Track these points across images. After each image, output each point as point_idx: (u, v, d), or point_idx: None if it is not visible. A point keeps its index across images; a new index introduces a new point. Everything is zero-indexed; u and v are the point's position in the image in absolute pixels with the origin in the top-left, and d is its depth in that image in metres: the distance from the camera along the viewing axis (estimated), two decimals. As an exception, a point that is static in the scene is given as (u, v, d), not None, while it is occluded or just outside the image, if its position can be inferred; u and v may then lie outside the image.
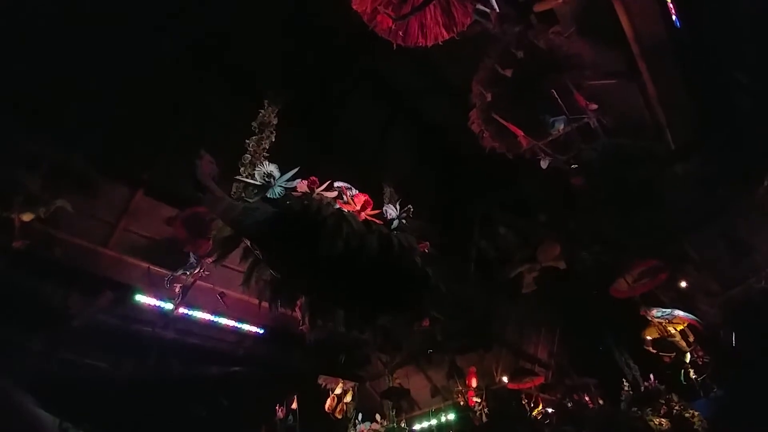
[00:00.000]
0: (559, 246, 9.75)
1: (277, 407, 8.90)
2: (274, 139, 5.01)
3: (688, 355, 9.13)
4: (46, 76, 5.71)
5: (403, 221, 4.14)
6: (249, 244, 3.85)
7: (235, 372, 9.30)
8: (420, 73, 8.58)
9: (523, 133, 6.26)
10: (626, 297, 9.49)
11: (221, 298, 7.80)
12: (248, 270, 3.97)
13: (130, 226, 7.43)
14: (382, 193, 5.69)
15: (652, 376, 9.40)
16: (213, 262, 5.42)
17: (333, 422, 9.50)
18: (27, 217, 5.78)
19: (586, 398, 10.53)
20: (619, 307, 9.77)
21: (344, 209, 3.85)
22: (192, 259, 7.06)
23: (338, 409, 9.57)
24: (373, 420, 9.82)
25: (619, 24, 6.31)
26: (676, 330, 9.26)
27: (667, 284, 9.46)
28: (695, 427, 8.19)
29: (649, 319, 9.31)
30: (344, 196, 4.06)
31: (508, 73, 5.97)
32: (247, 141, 4.86)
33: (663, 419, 8.35)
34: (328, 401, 9.54)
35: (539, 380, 10.73)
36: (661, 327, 9.24)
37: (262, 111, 5.21)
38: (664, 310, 9.32)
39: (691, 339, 9.25)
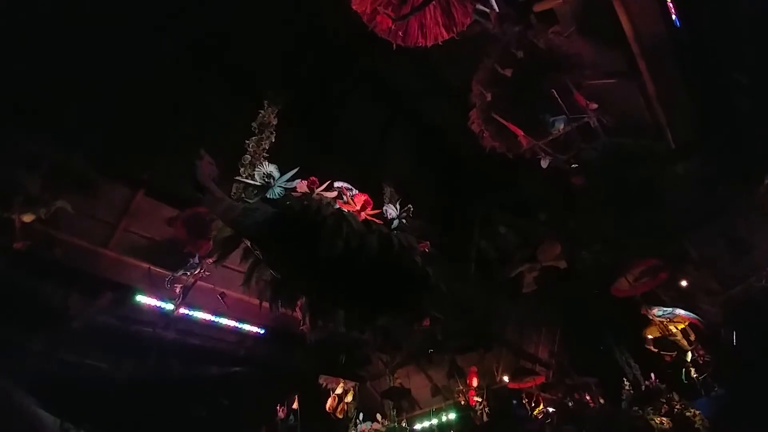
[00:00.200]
0: (560, 245, 9.75)
1: (278, 407, 8.91)
2: (273, 140, 5.01)
3: (689, 354, 9.12)
4: (47, 76, 5.71)
5: (403, 221, 4.15)
6: (249, 244, 3.86)
7: (236, 372, 9.31)
8: (420, 73, 8.58)
9: (523, 133, 6.25)
10: (627, 296, 9.49)
11: (222, 298, 7.80)
12: (249, 270, 3.98)
13: (131, 227, 7.43)
14: (382, 193, 5.69)
15: (653, 375, 9.39)
16: (213, 262, 5.43)
17: (334, 422, 9.51)
18: (27, 217, 5.79)
19: (587, 397, 10.53)
20: (620, 306, 9.77)
21: (344, 209, 3.86)
22: (192, 260, 7.06)
23: (339, 408, 9.58)
24: (374, 420, 9.83)
25: (619, 24, 6.30)
26: (677, 329, 9.26)
27: (667, 283, 9.46)
28: (696, 426, 8.18)
29: (650, 318, 9.31)
30: (344, 196, 4.06)
31: (508, 72, 5.96)
32: (246, 141, 4.86)
33: (664, 418, 8.35)
34: (329, 401, 9.54)
35: (540, 380, 10.73)
36: (662, 326, 9.25)
37: (262, 111, 5.21)
38: (665, 309, 9.32)
39: (692, 338, 9.25)
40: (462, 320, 9.62)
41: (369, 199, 4.13)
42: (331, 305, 4.01)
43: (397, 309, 4.16)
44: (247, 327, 9.15)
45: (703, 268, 9.33)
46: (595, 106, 6.15)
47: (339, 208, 3.82)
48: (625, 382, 9.72)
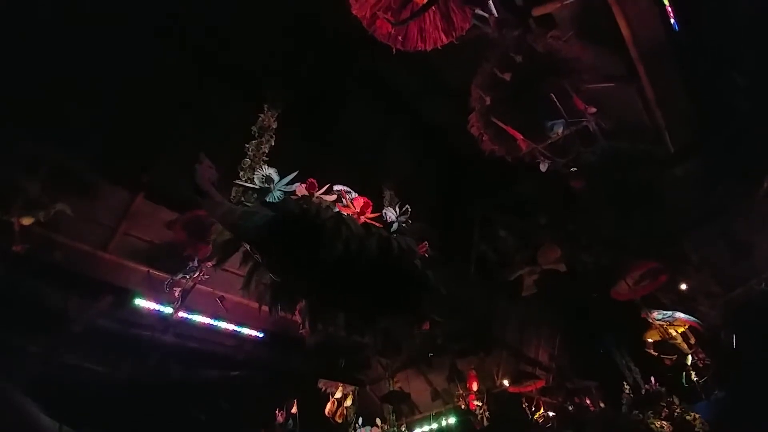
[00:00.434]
0: (560, 248, 9.75)
1: (276, 411, 8.87)
2: (273, 143, 5.02)
3: (690, 358, 9.10)
4: (47, 78, 5.72)
5: (403, 224, 4.15)
6: (248, 247, 3.86)
7: (235, 376, 9.28)
8: (420, 75, 8.60)
9: (522, 137, 6.27)
10: (627, 299, 9.48)
11: (221, 301, 7.80)
12: (248, 274, 3.98)
13: (130, 230, 7.44)
14: (381, 196, 5.70)
15: (653, 378, 9.38)
16: (213, 265, 5.43)
17: (333, 426, 9.46)
18: (27, 220, 5.79)
19: (588, 401, 10.49)
20: (620, 309, 9.76)
21: (343, 212, 3.86)
22: (192, 263, 7.06)
23: (338, 413, 9.53)
24: (374, 424, 9.78)
25: (618, 28, 6.33)
26: (677, 332, 9.24)
27: (667, 286, 9.45)
28: (696, 429, 8.16)
29: (650, 321, 9.30)
30: (343, 200, 4.07)
31: (507, 77, 5.98)
32: (246, 145, 4.87)
33: (664, 422, 8.33)
34: (328, 405, 9.50)
35: (540, 383, 10.70)
36: (662, 329, 9.23)
37: (262, 115, 5.22)
38: (665, 312, 9.30)
39: (692, 341, 9.23)
40: (462, 323, 9.60)
41: (368, 201, 4.13)
42: (331, 308, 4.01)
43: (396, 312, 4.16)
44: (246, 330, 9.13)
45: (703, 271, 9.33)
46: (593, 109, 6.17)
47: (338, 212, 3.83)
48: (626, 386, 9.70)
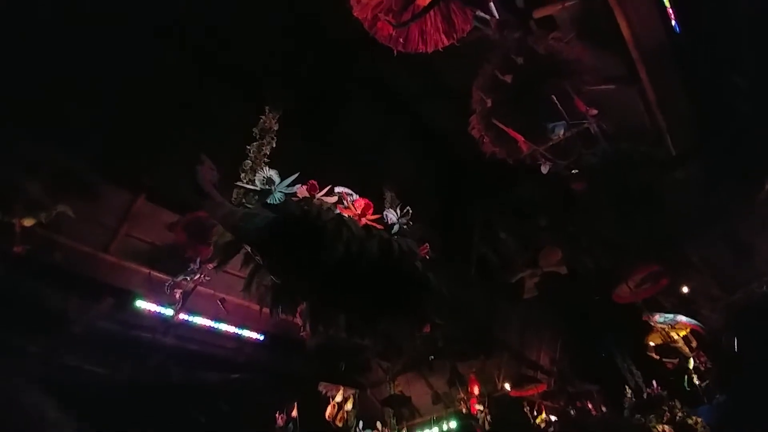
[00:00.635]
0: (561, 251, 9.73)
1: (277, 414, 8.83)
2: (274, 145, 5.03)
3: (691, 361, 9.06)
4: (46, 78, 5.73)
5: (404, 226, 4.14)
6: (249, 249, 3.85)
7: (235, 378, 9.25)
8: (421, 77, 8.62)
9: (523, 139, 6.27)
10: (628, 302, 9.45)
11: (221, 303, 7.78)
12: (249, 276, 3.97)
13: (131, 231, 7.44)
14: (382, 197, 5.70)
15: (654, 382, 9.33)
16: (214, 267, 5.42)
17: (333, 430, 9.43)
18: (28, 222, 5.79)
19: (589, 405, 10.45)
20: (622, 312, 9.73)
21: (344, 214, 3.85)
22: (193, 265, 7.05)
23: (339, 417, 9.50)
24: (374, 428, 9.73)
25: (619, 29, 6.34)
26: (678, 336, 9.21)
27: (669, 289, 9.42)
28: (698, 433, 8.12)
29: (652, 324, 9.26)
30: (344, 201, 4.06)
31: (508, 78, 5.99)
32: (247, 147, 4.88)
33: (666, 426, 8.28)
34: (329, 409, 9.47)
35: (542, 387, 10.65)
36: (663, 333, 9.19)
37: (263, 117, 5.23)
38: (666, 315, 9.27)
39: (694, 344, 9.20)
40: (463, 326, 9.58)
41: (369, 203, 4.12)
42: (332, 310, 4.00)
43: (398, 314, 4.14)
44: (246, 333, 9.11)
45: (705, 273, 9.30)
46: (595, 111, 6.17)
47: (339, 213, 3.82)
48: (627, 390, 9.66)
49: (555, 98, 5.93)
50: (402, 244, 3.89)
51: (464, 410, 10.54)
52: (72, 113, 5.98)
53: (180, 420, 7.81)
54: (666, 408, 8.60)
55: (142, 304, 7.56)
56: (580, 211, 8.01)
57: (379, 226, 4.00)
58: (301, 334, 4.20)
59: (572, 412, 10.41)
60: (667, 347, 9.22)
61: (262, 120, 5.19)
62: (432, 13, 5.09)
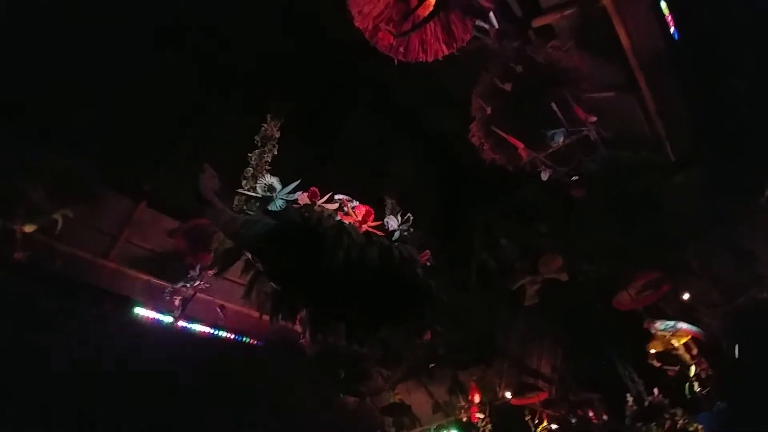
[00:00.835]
0: (561, 258, 9.73)
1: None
2: (276, 153, 5.05)
3: (693, 368, 9.03)
4: (48, 79, 5.75)
5: (405, 233, 4.15)
6: (250, 256, 3.86)
7: (234, 386, 9.17)
8: (421, 85, 8.68)
9: (523, 146, 6.30)
10: (629, 309, 9.43)
11: (221, 310, 7.76)
12: (249, 283, 3.97)
13: (132, 238, 7.43)
14: (383, 204, 5.71)
15: (656, 389, 9.28)
16: (214, 274, 5.42)
17: (333, 438, 9.33)
18: (29, 228, 5.79)
19: (591, 413, 10.38)
20: (622, 319, 9.70)
21: (345, 221, 3.86)
22: (193, 272, 7.04)
23: (338, 424, 9.41)
24: (374, 436, 9.66)
25: (617, 37, 6.40)
26: (679, 343, 9.18)
27: (669, 296, 9.41)
28: (700, 440, 8.07)
29: (653, 332, 9.24)
30: (345, 208, 4.07)
31: (508, 87, 6.04)
32: (249, 154, 4.90)
33: (667, 434, 8.24)
34: (329, 416, 9.37)
35: (543, 395, 10.59)
36: (664, 340, 9.16)
37: (265, 125, 5.26)
38: (667, 322, 9.25)
39: (695, 352, 9.17)
40: (463, 333, 9.54)
41: (370, 210, 4.14)
42: (332, 318, 3.99)
43: (398, 321, 4.13)
44: (245, 340, 9.06)
45: (705, 280, 9.30)
46: (594, 118, 6.21)
47: (340, 220, 3.83)
48: (629, 398, 9.60)
49: (554, 106, 5.97)
50: (403, 250, 3.89)
51: (465, 419, 10.46)
52: (72, 115, 5.99)
53: (178, 428, 7.75)
54: (667, 415, 8.56)
55: (141, 311, 7.53)
56: (581, 217, 8.04)
57: (380, 233, 4.00)
58: (301, 341, 4.19)
59: (573, 421, 10.35)
60: (668, 354, 9.19)
61: (263, 127, 5.21)
62: (432, 23, 5.14)
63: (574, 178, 6.99)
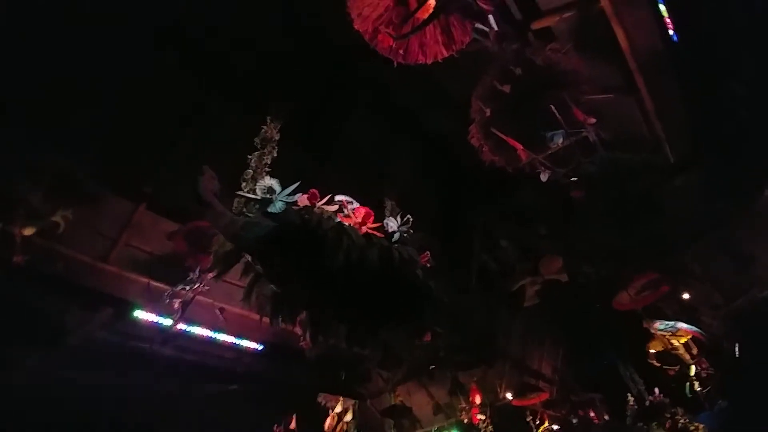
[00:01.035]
0: (561, 259, 9.73)
1: (275, 427, 8.74)
2: (275, 154, 5.06)
3: (693, 368, 9.03)
4: (49, 84, 5.75)
5: (404, 234, 4.15)
6: (250, 258, 3.85)
7: (233, 389, 9.16)
8: (421, 87, 8.69)
9: (522, 147, 6.31)
10: (629, 310, 9.44)
11: (220, 313, 7.74)
12: (249, 285, 3.96)
13: (131, 241, 7.42)
14: (383, 206, 5.72)
15: (656, 389, 9.28)
16: (213, 277, 5.41)
17: (333, 441, 9.33)
18: (28, 231, 5.78)
19: (592, 414, 10.37)
20: (622, 320, 9.70)
21: (345, 222, 3.86)
22: (192, 274, 7.02)
23: (338, 428, 9.40)
24: (375, 438, 9.64)
25: (616, 39, 6.42)
26: (679, 342, 9.18)
27: (669, 296, 9.42)
28: (700, 440, 8.07)
29: (653, 332, 9.24)
30: (345, 210, 4.08)
31: (507, 88, 6.05)
32: (249, 156, 4.91)
33: (668, 433, 8.24)
34: (328, 420, 9.37)
35: (544, 396, 10.58)
36: (664, 340, 9.17)
37: (265, 127, 5.27)
38: (667, 322, 9.25)
39: (695, 351, 9.17)
40: (464, 334, 9.53)
41: (370, 212, 4.14)
42: (333, 320, 3.99)
43: (399, 323, 4.13)
44: (245, 343, 9.03)
45: (705, 281, 9.31)
46: (593, 120, 6.23)
47: (339, 222, 3.83)
48: (630, 398, 9.60)
49: (553, 108, 5.99)
50: (402, 252, 3.90)
51: (466, 420, 10.44)
52: (72, 115, 5.98)
53: (177, 431, 7.73)
54: (668, 415, 8.56)
55: (140, 314, 7.50)
56: (580, 219, 8.04)
57: (379, 235, 4.01)
58: (301, 343, 4.19)
59: (575, 421, 10.34)
60: (668, 354, 9.19)
61: (263, 130, 5.23)
62: (432, 25, 5.16)
63: (573, 179, 7.00)
